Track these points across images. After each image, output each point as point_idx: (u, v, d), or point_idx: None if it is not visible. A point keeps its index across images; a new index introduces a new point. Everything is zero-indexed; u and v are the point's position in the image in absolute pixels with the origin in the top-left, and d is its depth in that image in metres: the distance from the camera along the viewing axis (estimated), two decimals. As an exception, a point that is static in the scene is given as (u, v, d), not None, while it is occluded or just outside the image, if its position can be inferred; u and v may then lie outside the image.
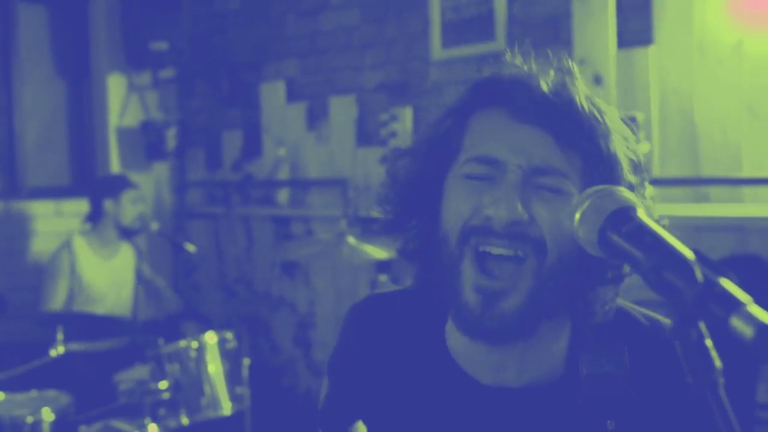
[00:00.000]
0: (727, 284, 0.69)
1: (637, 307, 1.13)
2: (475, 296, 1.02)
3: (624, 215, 0.84)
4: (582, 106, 1.05)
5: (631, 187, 1.04)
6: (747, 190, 3.10)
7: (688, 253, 0.73)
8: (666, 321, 1.10)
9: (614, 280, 1.06)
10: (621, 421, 1.05)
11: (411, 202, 1.14)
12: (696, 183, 3.19)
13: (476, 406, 1.12)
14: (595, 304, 1.06)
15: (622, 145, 1.06)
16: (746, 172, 3.07)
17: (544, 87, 1.06)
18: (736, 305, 0.67)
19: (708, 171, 3.16)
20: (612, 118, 1.07)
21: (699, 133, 3.16)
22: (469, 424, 1.12)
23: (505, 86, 1.08)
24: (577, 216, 0.89)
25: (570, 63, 1.10)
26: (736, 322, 0.66)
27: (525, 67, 1.11)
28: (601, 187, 0.91)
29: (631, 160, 1.07)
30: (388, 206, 1.17)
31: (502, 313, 1.02)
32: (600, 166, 1.04)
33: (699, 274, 0.70)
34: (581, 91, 1.07)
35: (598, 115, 1.05)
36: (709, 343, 0.70)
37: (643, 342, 1.08)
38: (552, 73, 1.08)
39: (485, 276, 1.02)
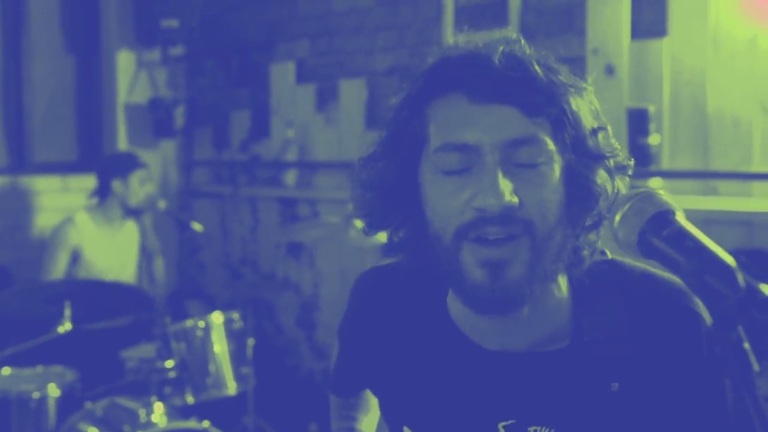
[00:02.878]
0: (768, 290, 0.71)
1: (631, 261, 1.14)
2: (481, 271, 1.03)
3: (664, 219, 0.85)
4: (537, 72, 1.05)
5: (594, 132, 1.07)
6: (756, 185, 3.11)
7: (729, 259, 0.74)
8: (658, 272, 1.12)
9: (595, 225, 1.09)
10: (625, 381, 1.07)
11: (388, 202, 1.14)
12: (705, 176, 3.20)
13: (481, 371, 1.14)
14: (582, 251, 1.09)
15: (579, 98, 1.08)
16: (756, 167, 3.07)
17: (497, 62, 1.05)
18: (778, 311, 0.68)
19: (718, 165, 3.16)
20: (564, 74, 1.08)
21: (710, 126, 3.16)
22: (474, 388, 1.15)
23: (457, 70, 1.08)
24: (618, 218, 0.90)
25: (514, 32, 1.11)
26: (778, 328, 0.67)
27: (470, 45, 1.10)
28: (641, 190, 0.92)
29: (591, 109, 1.09)
30: (365, 210, 1.17)
31: (510, 283, 1.03)
32: (567, 124, 1.06)
33: (741, 280, 0.71)
34: (532, 58, 1.07)
35: (553, 77, 1.06)
36: (747, 346, 0.71)
37: (638, 296, 1.10)
38: (500, 47, 1.07)
39: (488, 248, 1.03)
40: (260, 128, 4.96)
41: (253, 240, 4.98)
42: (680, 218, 0.85)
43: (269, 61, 4.89)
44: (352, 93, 4.43)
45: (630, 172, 1.11)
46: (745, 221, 3.03)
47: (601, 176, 1.08)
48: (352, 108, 4.43)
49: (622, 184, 1.10)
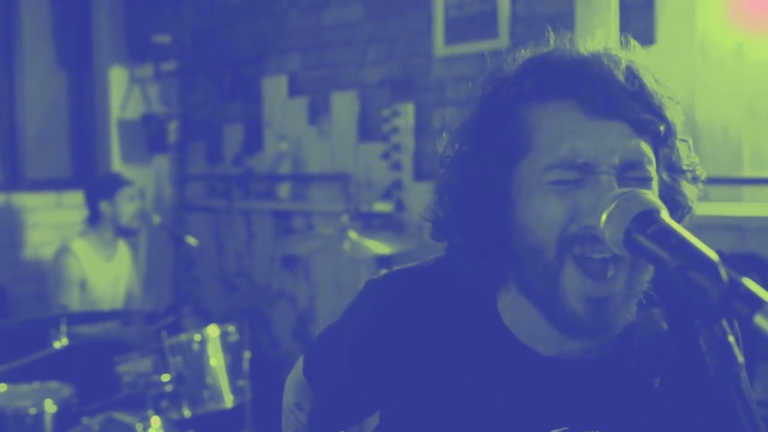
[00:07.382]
0: (751, 284, 0.72)
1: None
2: (584, 305, 1.00)
3: (649, 217, 0.87)
4: (653, 89, 1.02)
5: (681, 145, 1.06)
6: (746, 190, 3.13)
7: (712, 254, 0.76)
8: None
9: None
10: (665, 377, 1.07)
11: (470, 207, 1.07)
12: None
13: (536, 378, 1.10)
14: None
15: (675, 111, 1.05)
16: (746, 173, 3.10)
17: (620, 77, 1.00)
18: (759, 304, 0.70)
19: (708, 170, 3.15)
20: (665, 86, 1.05)
21: (700, 133, 3.19)
22: (527, 396, 1.10)
23: (571, 78, 1.02)
24: (604, 217, 0.92)
25: (627, 39, 1.06)
26: (760, 320, 0.69)
27: (582, 50, 1.05)
28: (626, 189, 0.94)
29: (681, 121, 1.07)
30: (442, 212, 1.11)
31: (609, 315, 1.01)
32: (668, 141, 1.04)
33: (724, 274, 0.73)
34: (649, 72, 1.03)
35: (662, 91, 1.03)
36: (731, 339, 0.73)
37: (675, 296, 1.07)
38: (622, 59, 1.02)
39: (594, 281, 0.99)
40: (253, 142, 4.98)
41: (247, 253, 4.99)
42: (664, 216, 0.87)
43: (261, 75, 4.91)
44: (344, 105, 4.45)
45: (701, 185, 1.11)
46: (737, 226, 3.05)
47: (686, 189, 1.09)
48: (345, 120, 4.45)
49: (694, 196, 1.10)
